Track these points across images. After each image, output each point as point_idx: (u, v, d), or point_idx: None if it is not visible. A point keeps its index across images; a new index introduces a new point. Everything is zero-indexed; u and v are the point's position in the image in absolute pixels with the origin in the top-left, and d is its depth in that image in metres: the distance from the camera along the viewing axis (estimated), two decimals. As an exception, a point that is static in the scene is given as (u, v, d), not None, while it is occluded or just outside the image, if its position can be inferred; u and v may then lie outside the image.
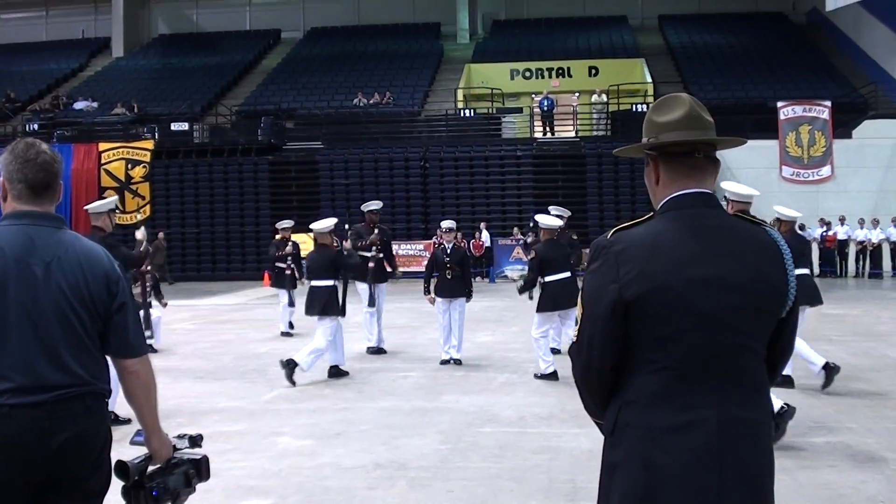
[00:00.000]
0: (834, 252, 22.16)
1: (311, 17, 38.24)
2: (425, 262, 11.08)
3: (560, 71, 31.39)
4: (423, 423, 6.94)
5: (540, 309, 8.98)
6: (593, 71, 30.91)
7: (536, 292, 9.26)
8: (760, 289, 2.06)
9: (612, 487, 2.08)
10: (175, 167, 25.49)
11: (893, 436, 6.36)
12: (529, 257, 9.96)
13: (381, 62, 32.74)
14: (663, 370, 2.03)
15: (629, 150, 2.37)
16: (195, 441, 2.79)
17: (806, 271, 7.96)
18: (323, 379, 9.00)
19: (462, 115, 27.69)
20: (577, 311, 2.18)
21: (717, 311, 2.01)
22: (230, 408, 7.71)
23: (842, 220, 22.07)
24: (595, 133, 26.85)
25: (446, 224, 10.47)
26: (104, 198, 9.43)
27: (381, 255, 10.98)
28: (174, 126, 26.32)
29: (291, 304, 12.72)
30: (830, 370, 7.79)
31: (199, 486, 2.76)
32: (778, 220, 8.08)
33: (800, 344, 7.26)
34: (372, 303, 10.64)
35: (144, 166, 25.01)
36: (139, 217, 23.68)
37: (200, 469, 2.75)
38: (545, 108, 26.80)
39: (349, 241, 11.29)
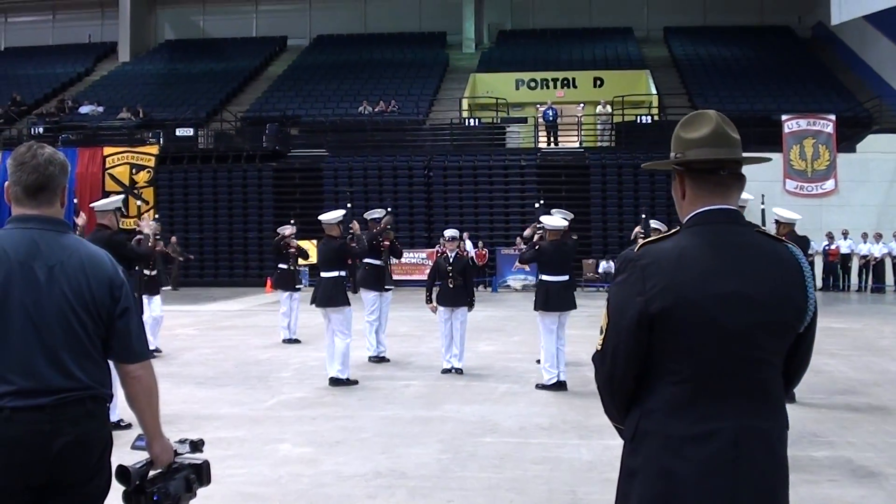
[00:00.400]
0: (837, 266, 22.16)
1: (318, 25, 38.33)
2: (428, 271, 11.09)
3: (565, 81, 31.41)
4: (423, 433, 6.94)
5: (535, 307, 9.12)
6: (598, 82, 30.91)
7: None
8: (781, 305, 2.12)
9: (630, 493, 2.14)
10: (179, 173, 25.51)
11: (895, 451, 6.34)
12: (532, 244, 9.71)
13: (387, 70, 32.78)
14: (684, 381, 2.09)
15: (657, 165, 2.46)
16: (196, 446, 2.78)
17: None
18: (324, 386, 9.00)
19: (466, 124, 27.71)
20: (601, 321, 2.24)
21: (738, 325, 2.07)
22: (231, 414, 7.71)
23: (845, 235, 22.06)
24: (599, 144, 26.87)
25: (449, 233, 10.47)
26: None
27: (391, 255, 11.25)
28: (179, 131, 26.41)
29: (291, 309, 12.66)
30: None
31: (200, 492, 2.75)
32: (777, 222, 8.09)
33: None
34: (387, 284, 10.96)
35: (149, 171, 24.96)
36: (143, 220, 23.66)
37: (202, 474, 2.74)
38: (549, 119, 26.84)
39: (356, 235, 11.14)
